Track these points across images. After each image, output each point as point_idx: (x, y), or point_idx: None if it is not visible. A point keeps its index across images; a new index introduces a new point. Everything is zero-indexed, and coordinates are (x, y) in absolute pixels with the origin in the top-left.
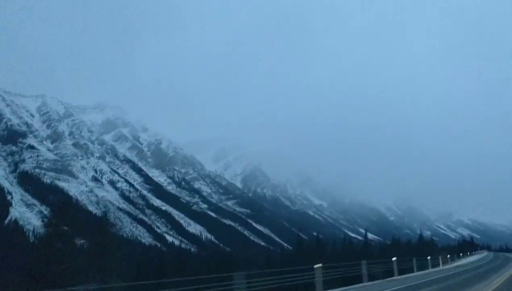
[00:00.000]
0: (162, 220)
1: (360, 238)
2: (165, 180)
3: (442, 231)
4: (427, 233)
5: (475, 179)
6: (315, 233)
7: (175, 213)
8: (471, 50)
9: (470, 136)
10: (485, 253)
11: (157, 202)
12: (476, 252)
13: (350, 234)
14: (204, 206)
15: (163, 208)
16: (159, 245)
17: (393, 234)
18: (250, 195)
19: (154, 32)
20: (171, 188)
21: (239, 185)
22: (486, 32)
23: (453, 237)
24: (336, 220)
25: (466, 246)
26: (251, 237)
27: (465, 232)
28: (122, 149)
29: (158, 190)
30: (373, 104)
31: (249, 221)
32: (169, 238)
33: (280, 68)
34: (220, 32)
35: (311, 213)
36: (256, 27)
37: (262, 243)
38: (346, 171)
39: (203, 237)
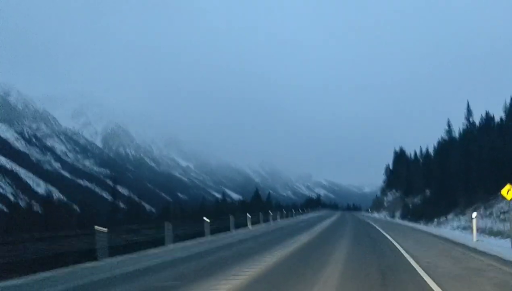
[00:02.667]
0: (6, 179)
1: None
2: (12, 135)
3: (301, 191)
4: (287, 193)
5: (333, 143)
6: (180, 194)
7: (22, 172)
8: (337, 15)
9: (330, 103)
10: (323, 212)
11: (1, 160)
12: (318, 209)
13: (216, 195)
14: (57, 165)
15: (8, 166)
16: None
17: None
18: (111, 154)
19: None
20: (19, 145)
21: (99, 144)
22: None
23: (311, 196)
24: (202, 181)
25: (312, 204)
26: (109, 199)
27: (322, 192)
28: None
29: (3, 146)
30: (242, 67)
31: (108, 182)
32: (13, 199)
33: (146, 26)
34: None
35: (177, 175)
36: None
37: (122, 205)
38: (214, 133)
39: (54, 197)
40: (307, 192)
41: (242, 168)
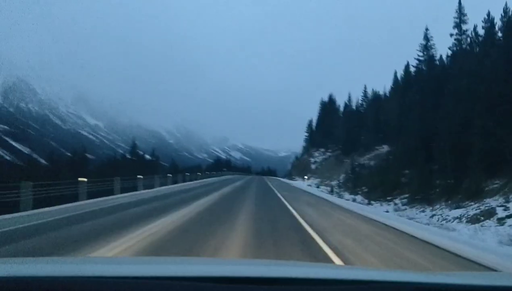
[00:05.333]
0: None
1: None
2: None
3: (216, 153)
4: (203, 155)
5: (251, 108)
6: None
7: None
8: None
9: (252, 68)
10: (227, 177)
11: None
12: (223, 173)
13: (127, 155)
14: None
15: None
16: None
17: (172, 156)
18: (11, 109)
19: None
20: None
21: None
22: None
23: (226, 159)
24: (112, 141)
25: (218, 167)
26: (7, 157)
27: (238, 155)
28: None
29: None
30: (165, 25)
31: (6, 138)
32: None
33: None
34: None
35: (85, 133)
36: None
37: (19, 163)
38: (126, 92)
39: None
40: (223, 155)
41: (155, 128)
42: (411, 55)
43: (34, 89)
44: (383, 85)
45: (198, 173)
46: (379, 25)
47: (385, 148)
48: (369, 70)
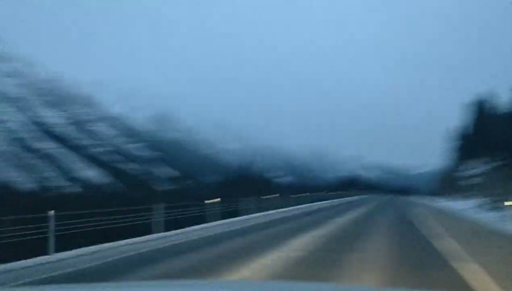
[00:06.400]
0: (52, 163)
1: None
2: (59, 120)
3: (347, 172)
4: (333, 175)
5: (388, 122)
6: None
7: (69, 156)
8: None
9: (383, 83)
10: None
11: (48, 145)
12: (356, 193)
13: (255, 175)
14: (103, 149)
15: (53, 150)
16: (46, 189)
17: (304, 177)
18: (157, 138)
19: None
20: (66, 130)
21: (145, 127)
22: None
23: (356, 177)
24: (248, 162)
25: (348, 186)
26: (160, 182)
27: (369, 174)
28: (10, 87)
29: (50, 131)
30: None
31: (154, 164)
32: (58, 182)
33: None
34: None
35: (225, 157)
36: None
37: (172, 186)
38: (259, 114)
39: (99, 181)
40: (354, 174)
41: (290, 148)
42: None
43: (179, 118)
44: None
45: (322, 193)
46: None
47: None
48: None
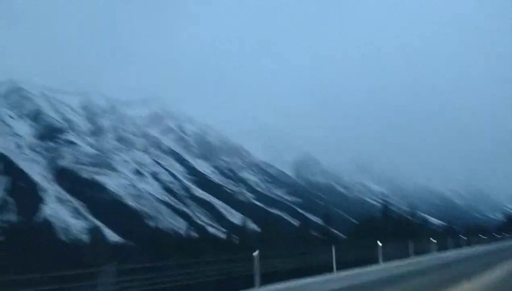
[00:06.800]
0: (204, 211)
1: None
2: (210, 170)
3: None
4: (497, 215)
5: None
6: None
7: (219, 204)
8: None
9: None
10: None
11: (200, 193)
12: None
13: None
14: (250, 195)
15: (206, 198)
16: (198, 236)
17: (461, 218)
18: (301, 183)
19: (188, 17)
20: (216, 178)
21: (289, 173)
22: None
23: None
24: (398, 207)
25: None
26: (297, 225)
27: None
28: (167, 141)
29: (202, 180)
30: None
31: (299, 210)
32: (210, 229)
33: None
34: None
35: (370, 200)
36: None
37: (313, 233)
38: (404, 154)
39: (247, 227)
40: None
41: (439, 189)
42: None
43: (319, 162)
44: None
45: (483, 236)
46: None
47: None
48: None
